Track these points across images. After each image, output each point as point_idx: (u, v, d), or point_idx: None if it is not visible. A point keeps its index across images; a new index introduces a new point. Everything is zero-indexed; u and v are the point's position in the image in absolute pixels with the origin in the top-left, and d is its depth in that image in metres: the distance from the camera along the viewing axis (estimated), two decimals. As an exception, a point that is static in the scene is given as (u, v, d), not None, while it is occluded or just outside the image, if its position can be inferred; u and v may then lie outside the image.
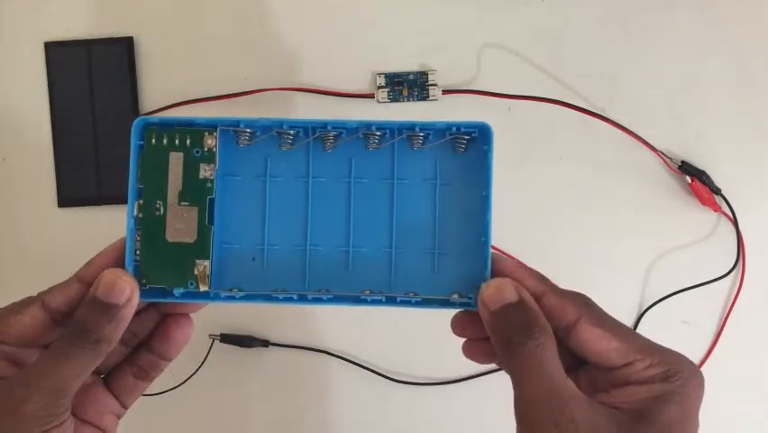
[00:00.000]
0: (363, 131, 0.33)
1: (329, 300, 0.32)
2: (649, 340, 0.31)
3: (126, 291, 0.30)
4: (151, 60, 0.53)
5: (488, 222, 0.32)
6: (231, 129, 0.33)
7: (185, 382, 0.51)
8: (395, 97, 0.52)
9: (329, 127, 0.33)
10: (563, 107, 0.51)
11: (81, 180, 0.52)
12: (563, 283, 0.54)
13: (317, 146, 0.34)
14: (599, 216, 0.53)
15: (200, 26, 0.53)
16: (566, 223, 0.53)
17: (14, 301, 0.32)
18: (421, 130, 0.33)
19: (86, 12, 0.53)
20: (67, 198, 0.53)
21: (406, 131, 0.33)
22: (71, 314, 0.31)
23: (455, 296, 0.32)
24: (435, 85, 0.52)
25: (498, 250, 0.52)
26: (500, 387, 0.52)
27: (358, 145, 0.33)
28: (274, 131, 0.33)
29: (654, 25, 0.53)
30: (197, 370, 0.51)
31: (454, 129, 0.32)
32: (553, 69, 0.53)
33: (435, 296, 0.32)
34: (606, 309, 0.50)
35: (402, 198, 0.34)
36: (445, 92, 0.52)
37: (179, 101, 0.52)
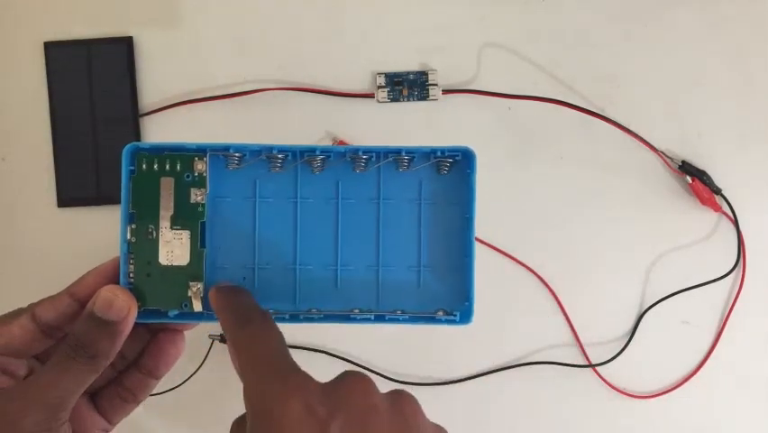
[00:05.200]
0: (350, 155, 0.34)
1: (320, 319, 0.34)
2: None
3: (123, 309, 0.31)
4: (151, 60, 0.53)
5: (471, 241, 0.34)
6: (220, 153, 0.34)
7: (185, 382, 0.51)
8: (395, 97, 0.52)
9: (317, 152, 0.34)
10: (563, 107, 0.51)
11: (81, 180, 0.52)
12: (565, 282, 0.55)
13: (305, 168, 0.35)
14: (599, 215, 0.53)
15: (200, 26, 0.53)
16: (566, 223, 0.53)
17: (5, 313, 0.32)
18: (406, 154, 0.34)
19: (86, 12, 0.53)
20: (66, 198, 0.53)
21: (392, 154, 0.34)
22: (60, 327, 0.32)
23: (440, 313, 0.34)
24: (435, 85, 0.52)
25: (498, 250, 0.52)
26: (500, 387, 0.53)
27: (345, 168, 0.35)
28: (263, 155, 0.34)
29: (654, 25, 0.53)
30: (197, 370, 0.51)
31: (438, 153, 0.34)
32: (552, 69, 0.53)
33: (422, 313, 0.34)
34: (606, 310, 0.50)
35: (388, 218, 0.35)
36: (445, 92, 0.52)
37: (179, 101, 0.52)
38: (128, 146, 0.33)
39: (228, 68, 0.53)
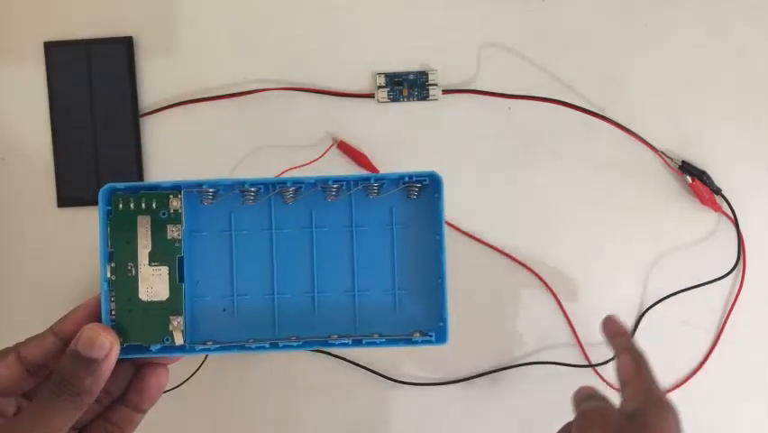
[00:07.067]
0: (321, 185, 0.35)
1: (299, 346, 0.35)
2: (650, 381, 0.39)
3: (105, 346, 0.31)
4: (151, 60, 0.53)
5: (442, 263, 0.35)
6: (194, 190, 0.34)
7: (184, 382, 0.51)
8: (395, 97, 0.52)
9: (288, 183, 0.34)
10: (563, 107, 0.51)
11: (81, 180, 0.52)
12: (565, 282, 0.55)
13: (278, 200, 0.35)
14: (599, 216, 0.53)
15: (200, 26, 0.53)
16: (566, 223, 0.53)
17: None
18: (375, 181, 0.35)
19: (86, 12, 0.53)
20: (66, 198, 0.53)
21: (362, 182, 0.35)
22: (46, 366, 0.32)
23: (417, 334, 0.35)
24: (435, 85, 0.52)
25: (498, 250, 0.52)
26: (500, 387, 0.53)
27: (317, 197, 0.35)
28: (236, 189, 0.35)
29: (654, 25, 0.53)
30: (197, 370, 0.51)
31: (407, 178, 0.35)
32: (552, 69, 0.53)
33: (398, 335, 0.35)
34: (606, 310, 0.50)
35: (362, 244, 0.36)
36: (445, 92, 0.52)
37: (179, 101, 0.52)
38: (104, 188, 0.34)
39: (228, 68, 0.53)
